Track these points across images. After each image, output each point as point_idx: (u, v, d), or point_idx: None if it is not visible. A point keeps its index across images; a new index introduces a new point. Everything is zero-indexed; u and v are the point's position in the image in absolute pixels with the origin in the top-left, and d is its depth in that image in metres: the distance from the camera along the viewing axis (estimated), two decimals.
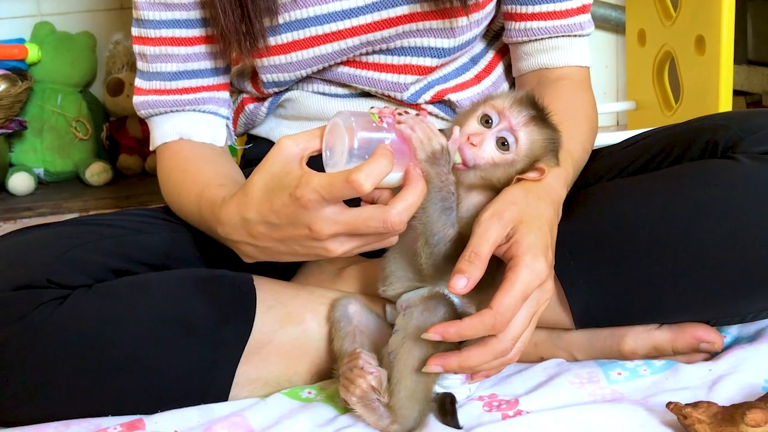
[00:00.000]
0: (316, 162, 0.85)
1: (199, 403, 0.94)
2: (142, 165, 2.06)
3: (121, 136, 2.06)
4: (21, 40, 2.01)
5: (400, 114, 0.86)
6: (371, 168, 0.78)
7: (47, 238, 0.99)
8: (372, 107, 0.88)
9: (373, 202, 0.85)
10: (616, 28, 2.23)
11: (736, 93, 1.99)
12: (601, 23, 2.20)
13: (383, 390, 0.88)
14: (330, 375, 0.98)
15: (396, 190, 0.85)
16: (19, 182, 1.95)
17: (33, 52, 1.98)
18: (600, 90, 2.27)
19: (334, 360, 0.96)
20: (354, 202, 0.83)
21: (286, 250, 0.87)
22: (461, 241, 0.86)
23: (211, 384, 0.95)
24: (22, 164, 1.99)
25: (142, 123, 2.02)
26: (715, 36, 1.67)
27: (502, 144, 0.88)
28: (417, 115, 0.86)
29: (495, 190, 0.90)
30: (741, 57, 2.11)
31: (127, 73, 2.04)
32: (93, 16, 2.10)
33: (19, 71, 1.97)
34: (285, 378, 0.98)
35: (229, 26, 1.04)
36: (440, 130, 0.86)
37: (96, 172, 1.98)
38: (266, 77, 1.14)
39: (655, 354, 1.00)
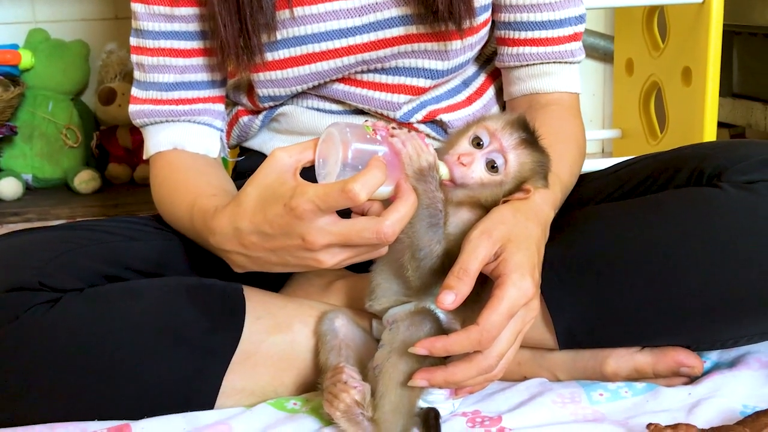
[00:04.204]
0: (306, 174, 0.86)
1: (184, 411, 0.94)
2: (131, 174, 2.06)
3: (110, 145, 2.06)
4: (15, 46, 2.01)
5: (393, 128, 0.88)
6: (366, 178, 0.80)
7: (40, 242, 1.00)
8: (366, 120, 0.89)
9: (363, 214, 0.87)
10: (604, 57, 2.26)
11: (721, 125, 2.02)
12: (590, 52, 2.22)
13: (367, 404, 0.89)
14: (316, 387, 0.99)
15: (386, 203, 0.86)
16: (7, 187, 1.94)
17: (26, 59, 1.98)
18: (587, 117, 2.27)
19: (320, 372, 0.97)
20: (342, 215, 0.84)
21: (278, 261, 0.88)
22: (448, 257, 0.88)
23: (198, 392, 0.95)
24: (11, 169, 1.98)
25: (133, 132, 2.02)
26: (701, 68, 1.70)
27: (492, 167, 0.89)
28: (409, 131, 0.88)
29: (483, 208, 0.91)
30: (726, 89, 2.14)
31: (120, 82, 2.04)
32: (87, 24, 2.11)
33: (12, 77, 1.97)
34: (271, 388, 0.99)
35: (227, 40, 1.06)
36: (435, 150, 0.88)
37: (84, 180, 1.97)
38: (262, 91, 1.15)
39: (636, 376, 1.01)
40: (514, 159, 0.89)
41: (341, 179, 0.82)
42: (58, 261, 0.95)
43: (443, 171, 0.88)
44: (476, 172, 0.89)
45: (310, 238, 0.83)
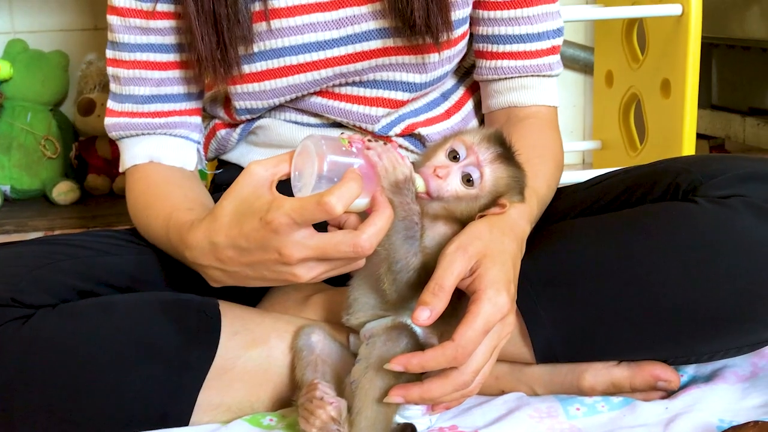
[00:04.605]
0: (283, 187, 0.86)
1: (160, 427, 0.93)
2: (110, 185, 2.05)
3: (90, 156, 2.05)
4: None
5: (369, 141, 0.87)
6: (342, 191, 0.80)
7: (12, 257, 0.99)
8: (342, 132, 0.89)
9: (339, 227, 0.87)
10: (585, 68, 2.27)
11: (700, 136, 2.04)
12: (570, 63, 2.24)
13: (343, 420, 0.89)
14: (292, 403, 0.98)
15: (362, 215, 0.86)
16: None
17: (5, 69, 1.97)
18: (567, 128, 2.30)
19: (296, 388, 0.97)
20: (318, 229, 0.84)
21: (254, 275, 0.88)
22: (425, 270, 0.88)
23: (173, 408, 0.94)
24: None
25: (112, 143, 2.00)
26: (680, 80, 1.71)
27: (467, 180, 0.89)
28: (385, 144, 0.88)
29: (460, 222, 0.91)
30: (705, 101, 2.16)
31: (99, 93, 2.03)
32: (67, 35, 2.10)
33: None
34: (248, 404, 0.98)
35: (204, 52, 1.05)
36: (412, 163, 0.88)
37: (63, 191, 1.96)
38: (239, 104, 1.15)
39: (613, 390, 1.01)
40: (490, 173, 0.90)
41: (317, 192, 0.82)
42: (30, 277, 0.95)
43: (419, 183, 0.88)
44: (451, 185, 0.89)
45: (286, 251, 0.83)
